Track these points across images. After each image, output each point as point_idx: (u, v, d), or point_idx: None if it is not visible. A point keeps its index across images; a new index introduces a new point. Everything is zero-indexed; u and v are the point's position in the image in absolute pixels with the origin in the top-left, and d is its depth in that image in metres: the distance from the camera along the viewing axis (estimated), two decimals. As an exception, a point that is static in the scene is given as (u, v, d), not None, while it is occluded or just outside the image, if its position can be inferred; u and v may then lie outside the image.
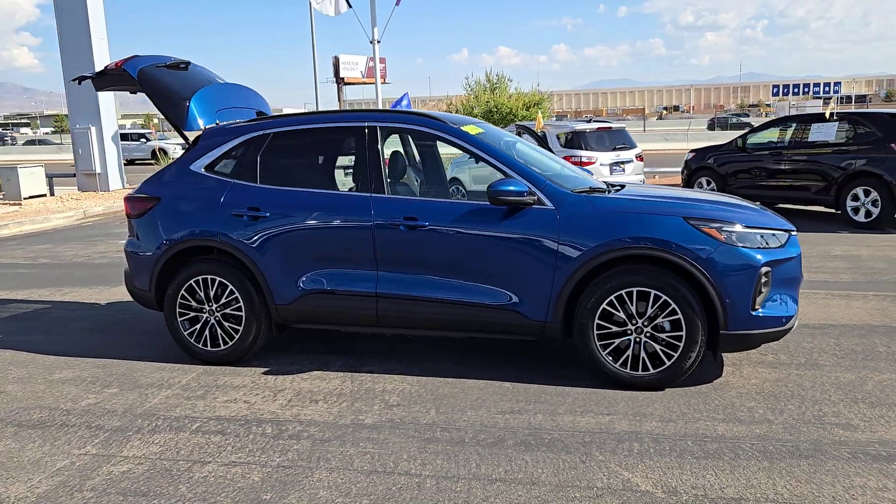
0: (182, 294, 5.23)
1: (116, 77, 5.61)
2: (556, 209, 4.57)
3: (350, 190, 5.08)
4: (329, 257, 4.95)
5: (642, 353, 4.51)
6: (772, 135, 12.60)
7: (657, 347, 4.48)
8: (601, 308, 4.51)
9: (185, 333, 5.27)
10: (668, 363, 4.47)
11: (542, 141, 9.74)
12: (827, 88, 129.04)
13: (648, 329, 4.48)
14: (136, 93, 6.15)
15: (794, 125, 12.16)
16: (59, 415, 4.42)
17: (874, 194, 10.62)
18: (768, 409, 4.22)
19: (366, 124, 5.04)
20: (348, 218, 4.89)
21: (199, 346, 5.25)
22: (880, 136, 10.84)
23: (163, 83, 5.45)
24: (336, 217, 4.93)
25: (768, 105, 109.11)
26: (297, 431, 4.07)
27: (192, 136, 5.62)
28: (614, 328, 4.53)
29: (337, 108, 78.95)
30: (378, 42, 17.95)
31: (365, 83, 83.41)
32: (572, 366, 4.98)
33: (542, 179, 4.68)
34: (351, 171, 5.23)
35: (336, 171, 5.40)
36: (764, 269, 4.37)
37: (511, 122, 17.13)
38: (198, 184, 5.30)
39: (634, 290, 4.45)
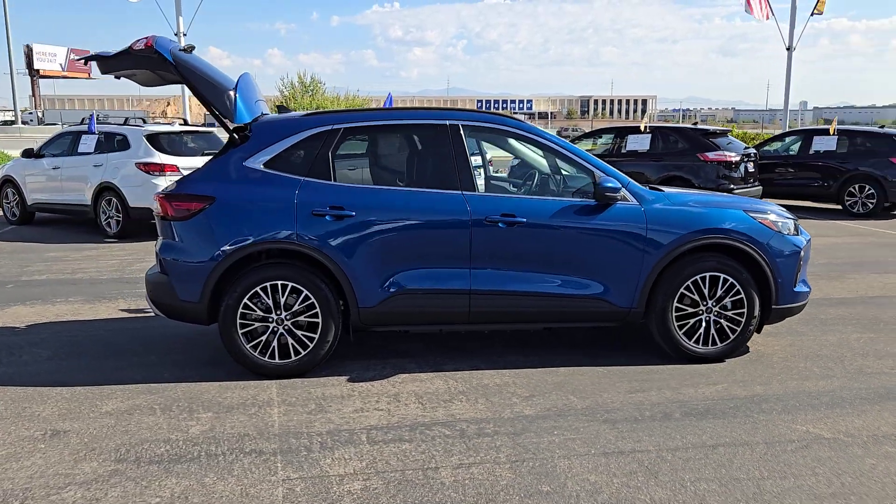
0: (245, 303, 4.75)
1: (138, 59, 4.86)
2: (639, 204, 5.04)
3: (427, 187, 5.01)
4: (421, 256, 4.87)
5: (712, 330, 5.15)
6: None
7: (723, 324, 5.16)
8: (679, 292, 5.07)
9: (248, 347, 4.79)
10: (731, 337, 5.17)
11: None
12: (521, 105, 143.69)
13: (716, 308, 5.13)
14: (119, 77, 5.37)
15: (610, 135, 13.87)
16: (185, 446, 3.84)
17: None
18: (819, 367, 5.11)
19: (448, 122, 5.04)
20: (444, 216, 4.86)
21: (265, 359, 4.81)
22: (687, 147, 12.89)
23: (202, 69, 4.86)
24: (430, 216, 4.86)
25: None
26: (479, 429, 4.04)
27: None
28: (689, 309, 5.11)
29: (37, 102, 70.02)
30: (184, 34, 16.57)
31: (67, 77, 74.95)
32: (628, 347, 5.49)
33: (624, 178, 5.11)
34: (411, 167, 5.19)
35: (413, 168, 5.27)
36: (802, 253, 5.27)
37: None
38: (262, 182, 4.84)
39: (708, 275, 5.08)
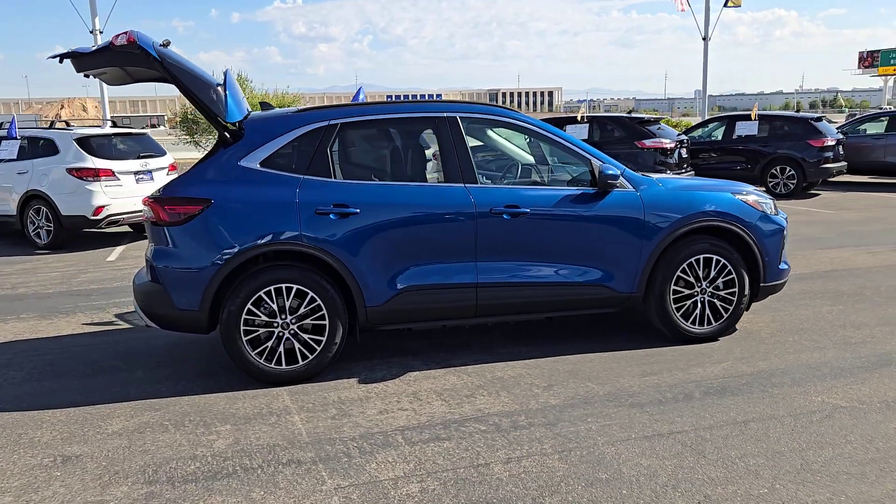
0: (248, 309, 4.55)
1: (118, 56, 4.56)
2: (635, 190, 5.12)
3: (432, 181, 4.95)
4: (427, 252, 4.80)
5: (707, 311, 5.30)
6: None
7: (717, 304, 5.31)
8: (675, 275, 5.19)
9: (254, 354, 4.59)
10: (725, 316, 5.34)
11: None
12: (431, 99, 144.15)
13: (710, 289, 5.28)
14: (89, 76, 5.04)
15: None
16: (216, 461, 3.64)
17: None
18: (807, 340, 5.33)
19: (446, 114, 4.97)
20: (449, 210, 4.80)
21: (272, 365, 4.63)
22: (624, 135, 13.24)
23: (187, 65, 4.61)
24: (436, 210, 4.79)
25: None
26: (513, 422, 4.01)
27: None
28: (685, 291, 5.24)
29: None
30: (101, 32, 15.68)
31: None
32: (624, 332, 5.58)
33: (620, 165, 5.18)
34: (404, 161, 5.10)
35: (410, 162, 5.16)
36: (785, 231, 5.48)
37: None
38: (259, 181, 4.64)
39: (701, 257, 5.22)
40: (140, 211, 10.80)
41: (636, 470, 3.42)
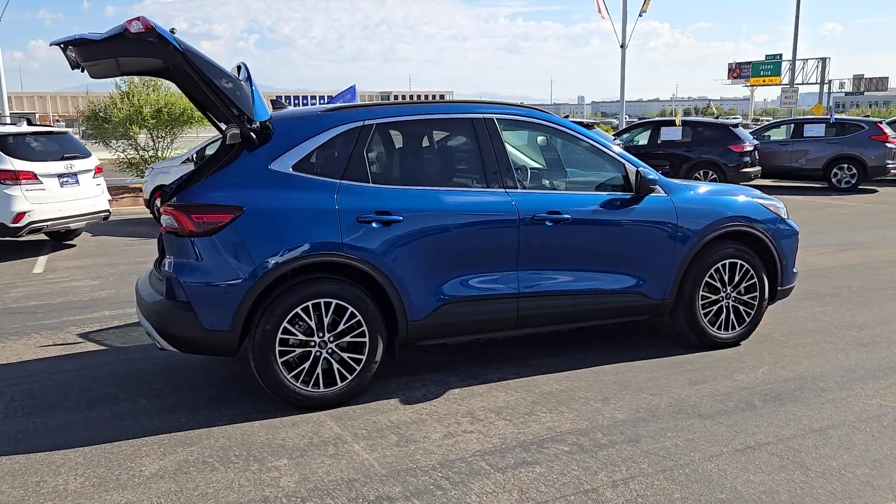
0: (284, 327, 4.13)
1: (130, 44, 4.01)
2: (668, 195, 5.04)
3: (469, 186, 4.68)
4: (470, 261, 4.52)
5: (731, 315, 5.30)
6: None
7: (741, 308, 5.32)
8: (704, 281, 5.15)
9: (290, 377, 4.17)
10: (747, 320, 5.36)
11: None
12: (322, 101, 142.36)
13: (734, 294, 5.28)
14: (83, 69, 4.45)
15: None
16: (295, 502, 3.23)
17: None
18: (824, 342, 5.42)
19: (483, 116, 4.71)
20: (493, 216, 4.55)
21: (309, 388, 4.22)
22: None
23: (208, 57, 4.12)
24: (479, 217, 4.53)
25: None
26: (593, 440, 3.81)
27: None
28: (712, 296, 5.22)
29: None
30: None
31: None
32: (633, 340, 5.50)
33: (653, 170, 5.08)
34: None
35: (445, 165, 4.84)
36: (798, 235, 5.57)
37: (187, 122, 15.45)
38: (294, 187, 4.22)
39: (727, 262, 5.21)
40: (68, 217, 9.90)
41: (752, 487, 3.29)
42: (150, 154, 15.39)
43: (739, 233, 5.24)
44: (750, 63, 62.84)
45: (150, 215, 12.79)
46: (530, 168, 5.49)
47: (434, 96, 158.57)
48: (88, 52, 4.11)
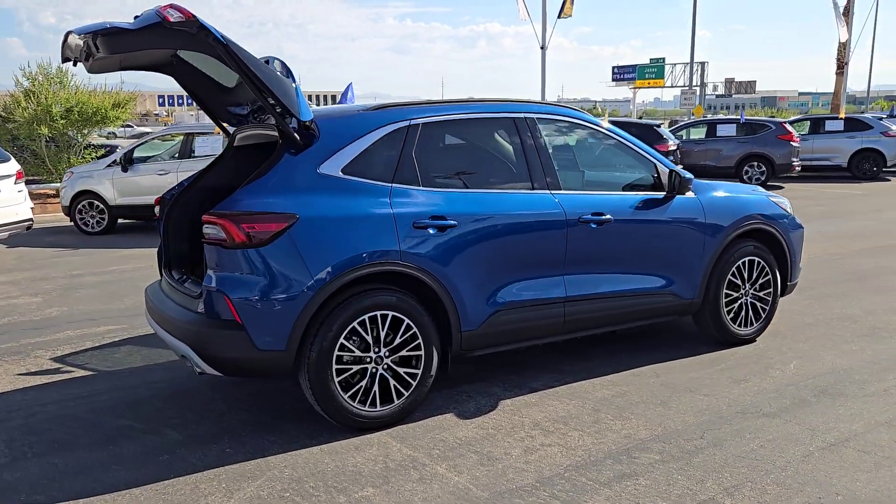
0: (340, 343, 3.82)
1: (165, 35, 3.57)
2: (696, 195, 5.04)
3: (515, 187, 4.49)
4: (520, 266, 4.35)
5: (749, 312, 5.37)
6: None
7: (757, 304, 5.41)
8: (727, 279, 5.20)
9: (347, 397, 3.86)
10: (763, 316, 5.45)
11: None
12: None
13: (751, 291, 5.36)
14: (89, 62, 3.96)
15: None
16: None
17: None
18: (837, 333, 5.59)
19: (524, 115, 4.54)
20: (542, 219, 4.39)
21: (366, 408, 3.92)
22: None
23: (250, 52, 3.74)
24: (529, 219, 4.35)
25: (158, 115, 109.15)
26: (678, 447, 3.72)
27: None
28: (733, 294, 5.27)
29: None
30: None
31: None
32: (638, 341, 5.50)
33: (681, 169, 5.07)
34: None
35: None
36: (803, 231, 5.72)
37: (100, 122, 14.27)
38: (346, 191, 3.90)
39: (746, 259, 5.27)
40: (-8, 227, 8.93)
41: (863, 486, 3.29)
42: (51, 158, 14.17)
43: (757, 230, 5.31)
44: (635, 66, 65.39)
45: (71, 223, 11.79)
46: (568, 168, 5.35)
47: (327, 97, 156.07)
48: (118, 43, 3.63)
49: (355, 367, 3.87)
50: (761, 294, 5.39)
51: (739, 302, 5.30)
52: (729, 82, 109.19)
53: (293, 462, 3.61)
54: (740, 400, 4.30)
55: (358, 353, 3.87)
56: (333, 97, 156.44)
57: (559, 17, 21.22)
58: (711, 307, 5.15)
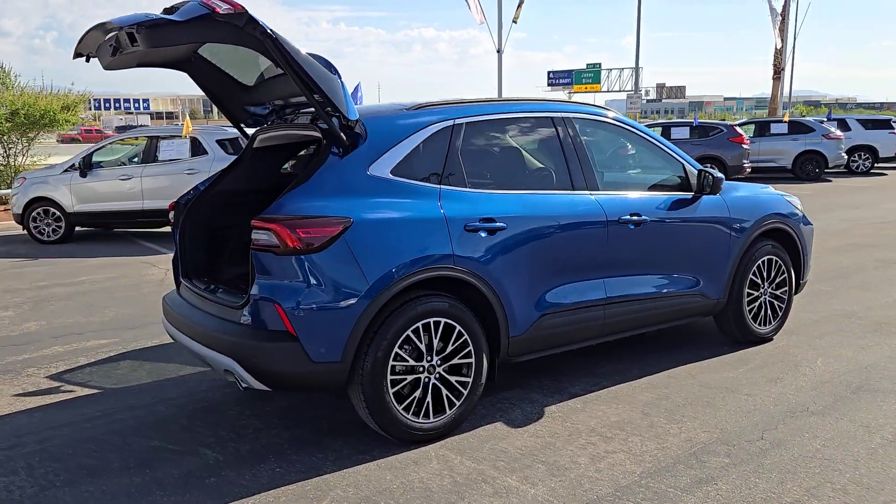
0: (395, 352, 3.64)
1: (211, 28, 3.33)
2: (720, 194, 5.04)
3: (558, 188, 4.38)
4: (564, 269, 4.25)
5: (768, 311, 5.41)
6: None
7: (774, 303, 5.45)
8: (749, 277, 5.22)
9: (401, 409, 3.69)
10: (780, 314, 5.50)
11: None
12: (138, 104, 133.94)
13: (769, 289, 5.40)
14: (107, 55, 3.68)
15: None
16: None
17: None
18: (841, 329, 5.69)
19: (563, 115, 4.44)
20: (584, 220, 4.30)
21: (420, 419, 3.75)
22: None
23: (297, 47, 3.52)
24: (575, 220, 4.26)
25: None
26: (742, 447, 3.67)
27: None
28: (753, 293, 5.30)
29: None
30: None
31: None
32: (679, 339, 5.49)
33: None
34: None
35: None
36: (813, 228, 5.80)
37: (48, 125, 13.49)
38: (397, 194, 3.72)
39: (765, 258, 5.31)
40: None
41: (937, 481, 3.30)
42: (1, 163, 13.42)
43: (775, 229, 5.34)
44: (571, 71, 66.39)
45: (24, 231, 11.15)
46: (602, 169, 5.28)
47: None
48: (163, 36, 3.37)
49: (409, 378, 3.70)
50: (778, 293, 5.43)
51: (759, 301, 5.32)
52: (660, 87, 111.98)
53: (354, 480, 3.41)
54: (784, 399, 4.30)
55: (412, 362, 3.69)
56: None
57: (514, 21, 21.35)
58: (735, 307, 5.16)
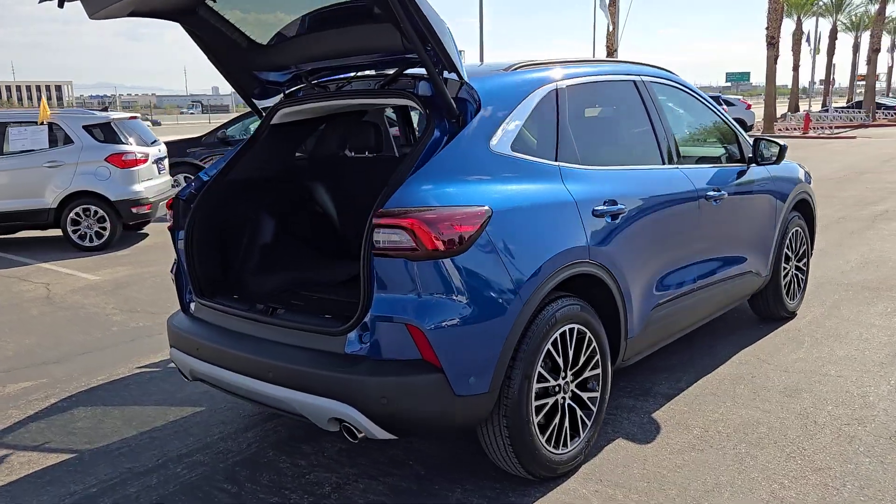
0: (539, 372, 2.94)
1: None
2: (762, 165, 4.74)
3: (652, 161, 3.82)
4: (668, 253, 3.71)
5: (794, 284, 5.22)
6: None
7: (799, 276, 5.27)
8: (784, 251, 4.99)
9: (544, 440, 2.99)
10: (802, 287, 5.33)
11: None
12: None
13: (795, 261, 5.21)
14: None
15: None
16: None
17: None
18: (845, 323, 5.65)
19: (641, 78, 3.87)
20: (684, 198, 3.80)
21: (559, 451, 3.07)
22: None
23: None
24: (675, 198, 3.73)
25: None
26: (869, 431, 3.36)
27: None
28: (787, 267, 5.08)
29: None
30: None
31: None
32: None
33: None
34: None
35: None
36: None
37: None
38: (523, 174, 2.97)
39: (794, 229, 5.10)
40: None
41: None
42: None
43: (801, 200, 5.14)
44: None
45: None
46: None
47: (49, 87, 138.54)
48: None
49: (549, 401, 2.99)
50: (800, 264, 5.25)
51: (790, 275, 5.11)
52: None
53: (522, 540, 2.67)
54: (887, 377, 4.06)
55: (551, 381, 2.99)
56: (59, 86, 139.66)
57: None
58: (774, 282, 4.90)
